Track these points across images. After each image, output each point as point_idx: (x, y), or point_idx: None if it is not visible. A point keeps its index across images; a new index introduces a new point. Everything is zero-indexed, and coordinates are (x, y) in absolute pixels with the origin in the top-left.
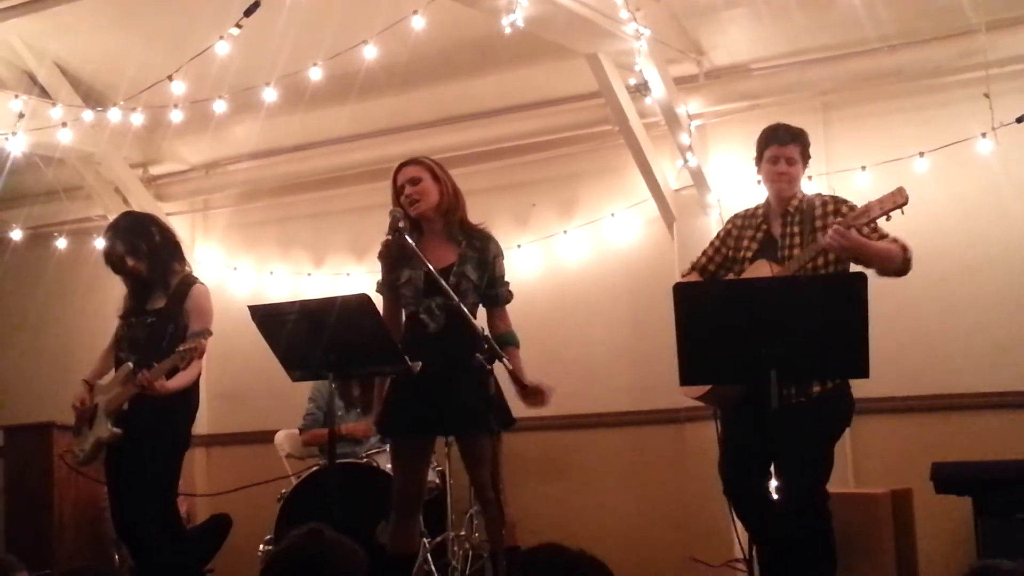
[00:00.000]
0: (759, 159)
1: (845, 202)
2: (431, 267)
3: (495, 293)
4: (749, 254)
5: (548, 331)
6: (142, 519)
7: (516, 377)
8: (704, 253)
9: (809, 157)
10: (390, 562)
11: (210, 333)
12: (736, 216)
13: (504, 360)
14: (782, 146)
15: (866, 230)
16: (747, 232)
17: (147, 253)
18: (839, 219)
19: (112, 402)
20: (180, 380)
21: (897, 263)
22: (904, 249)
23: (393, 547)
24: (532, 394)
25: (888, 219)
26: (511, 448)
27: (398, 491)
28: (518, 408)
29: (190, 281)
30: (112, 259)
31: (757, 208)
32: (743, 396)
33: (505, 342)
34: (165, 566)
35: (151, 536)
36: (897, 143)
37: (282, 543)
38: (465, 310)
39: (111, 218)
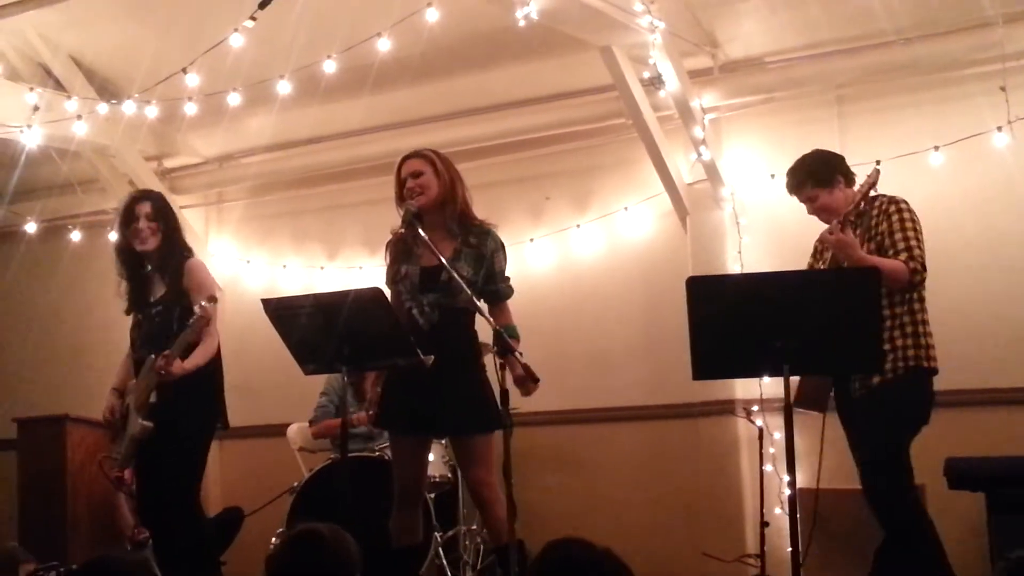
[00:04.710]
0: None
1: (896, 201)
2: (443, 259)
3: (494, 289)
4: (823, 264)
5: (561, 325)
6: (166, 507)
7: (513, 362)
8: None
9: (832, 171)
10: (395, 554)
11: (215, 299)
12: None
13: (517, 354)
14: (794, 193)
15: (893, 249)
16: (826, 244)
17: (164, 229)
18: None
19: (139, 397)
20: (198, 358)
21: (900, 280)
22: (913, 272)
23: (396, 539)
24: (523, 381)
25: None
26: (524, 442)
27: (397, 485)
28: (529, 402)
29: (183, 260)
30: (129, 212)
31: None
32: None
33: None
34: (184, 555)
35: (172, 525)
36: (912, 137)
37: (276, 546)
38: (478, 304)
39: None
